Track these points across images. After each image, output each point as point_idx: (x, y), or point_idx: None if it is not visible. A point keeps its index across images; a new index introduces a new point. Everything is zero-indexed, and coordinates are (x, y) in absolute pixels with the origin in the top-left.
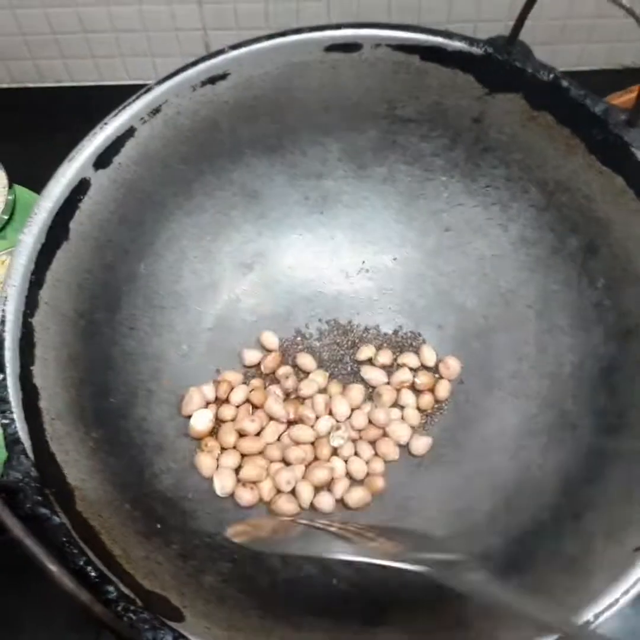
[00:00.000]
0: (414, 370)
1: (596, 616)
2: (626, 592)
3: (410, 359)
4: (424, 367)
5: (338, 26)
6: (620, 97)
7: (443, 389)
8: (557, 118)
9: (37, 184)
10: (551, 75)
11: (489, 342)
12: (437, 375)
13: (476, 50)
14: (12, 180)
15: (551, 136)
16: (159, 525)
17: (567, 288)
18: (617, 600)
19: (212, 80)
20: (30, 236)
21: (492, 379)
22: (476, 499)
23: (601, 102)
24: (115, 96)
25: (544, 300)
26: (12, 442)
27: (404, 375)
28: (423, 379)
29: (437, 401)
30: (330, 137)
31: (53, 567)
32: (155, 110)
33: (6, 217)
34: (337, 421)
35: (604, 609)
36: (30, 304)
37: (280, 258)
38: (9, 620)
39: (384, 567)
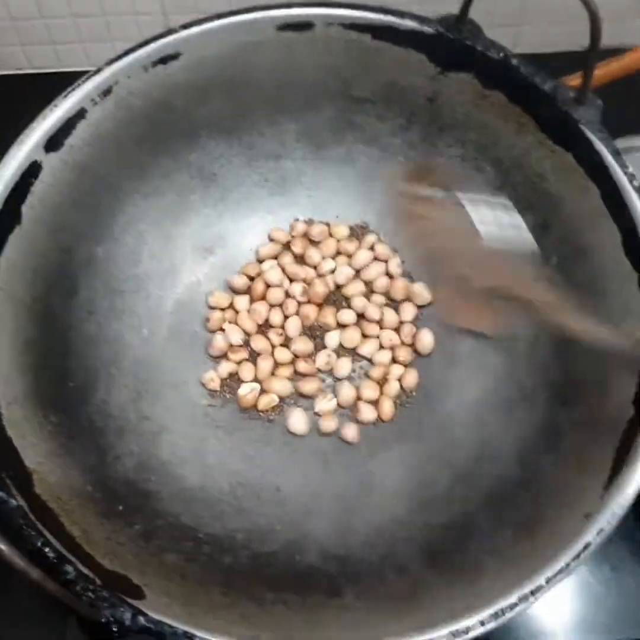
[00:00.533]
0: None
1: (548, 580)
2: (576, 557)
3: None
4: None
5: (289, 5)
6: (579, 79)
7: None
8: (509, 97)
9: None
10: (501, 54)
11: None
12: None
13: (428, 29)
14: None
15: (503, 115)
16: (120, 507)
17: (522, 265)
18: (567, 565)
19: (164, 60)
20: None
21: (453, 355)
22: (437, 472)
23: (550, 80)
24: (76, 82)
25: None
26: None
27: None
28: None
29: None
30: (287, 117)
31: (3, 547)
32: (107, 91)
33: None
34: None
35: (555, 573)
36: None
37: (241, 240)
38: None
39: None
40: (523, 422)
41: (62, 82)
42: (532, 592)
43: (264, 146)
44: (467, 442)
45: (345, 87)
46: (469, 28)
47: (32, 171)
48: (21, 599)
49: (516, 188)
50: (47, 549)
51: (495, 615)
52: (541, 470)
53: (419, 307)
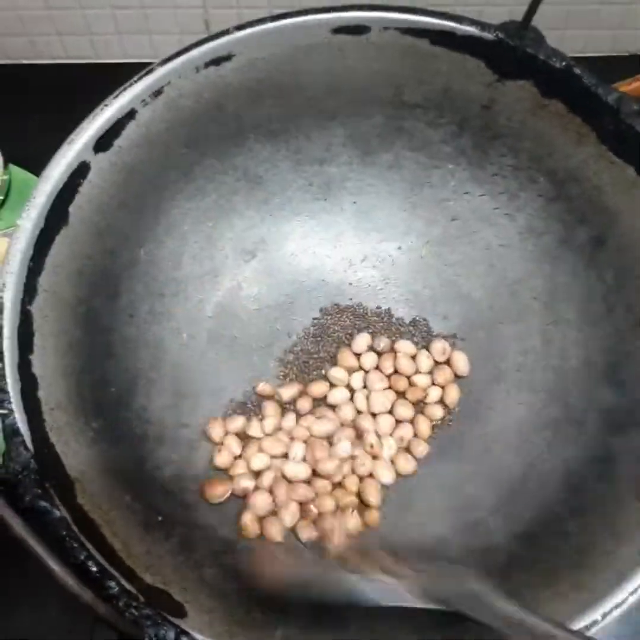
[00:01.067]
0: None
1: (603, 616)
2: (634, 592)
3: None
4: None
5: (345, 8)
6: (630, 85)
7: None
8: (569, 106)
9: (33, 164)
10: (564, 63)
11: (494, 333)
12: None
13: (487, 35)
14: (7, 159)
15: (562, 125)
16: (159, 518)
17: (575, 280)
18: (624, 600)
19: (216, 61)
20: (28, 221)
21: (497, 371)
22: (479, 495)
23: (614, 91)
24: (111, 74)
25: (550, 292)
26: (11, 433)
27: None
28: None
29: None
30: (335, 122)
31: (56, 567)
32: (157, 92)
33: (2, 198)
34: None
35: (611, 608)
36: (29, 291)
37: (283, 245)
38: (2, 604)
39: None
40: (572, 446)
41: (98, 73)
42: (587, 627)
43: (311, 150)
44: (510, 464)
45: (397, 93)
46: (531, 36)
47: (80, 171)
48: (48, 605)
49: (571, 200)
50: (90, 563)
51: None
52: (593, 498)
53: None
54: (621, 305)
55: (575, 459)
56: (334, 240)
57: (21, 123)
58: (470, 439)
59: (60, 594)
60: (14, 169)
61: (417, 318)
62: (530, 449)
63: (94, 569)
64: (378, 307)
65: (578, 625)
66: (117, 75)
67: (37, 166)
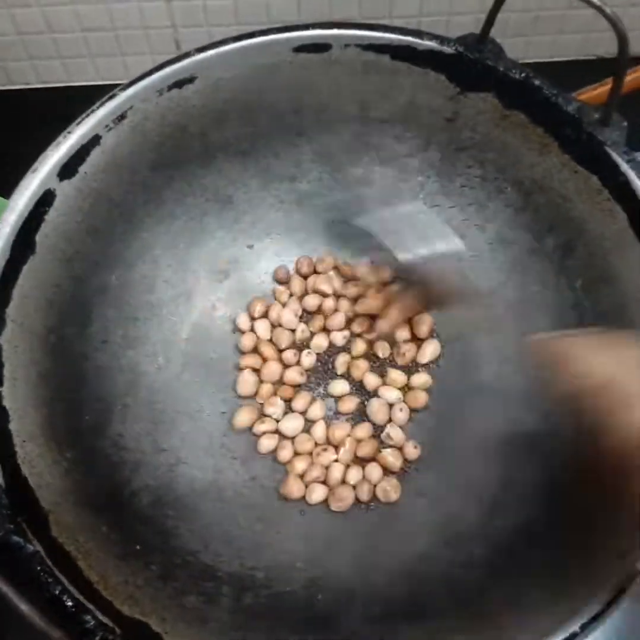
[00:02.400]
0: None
1: (582, 627)
2: (611, 602)
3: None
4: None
5: (306, 26)
6: (596, 90)
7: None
8: (530, 117)
9: (6, 189)
10: (523, 74)
11: (470, 344)
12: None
13: (447, 49)
14: None
15: (525, 135)
16: (138, 547)
17: (546, 289)
18: (603, 611)
19: (179, 84)
20: None
21: (475, 382)
22: (461, 506)
23: (574, 101)
24: (86, 97)
25: (523, 302)
26: None
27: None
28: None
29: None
30: (303, 139)
31: (24, 607)
32: (121, 117)
33: None
34: None
35: (589, 620)
36: None
37: (256, 264)
38: None
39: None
40: (551, 456)
41: (71, 96)
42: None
43: (280, 168)
44: (490, 475)
45: (362, 108)
46: (490, 48)
47: (46, 200)
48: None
49: (538, 209)
50: (65, 597)
51: None
52: (573, 507)
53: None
54: (592, 312)
55: (554, 470)
56: (306, 256)
57: None
58: (452, 451)
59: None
60: None
61: None
62: (510, 459)
63: (70, 603)
64: None
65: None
66: (91, 97)
67: (9, 192)
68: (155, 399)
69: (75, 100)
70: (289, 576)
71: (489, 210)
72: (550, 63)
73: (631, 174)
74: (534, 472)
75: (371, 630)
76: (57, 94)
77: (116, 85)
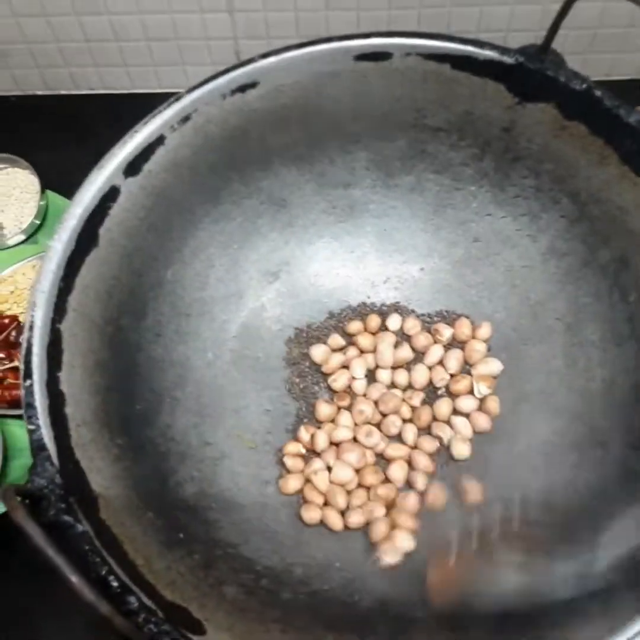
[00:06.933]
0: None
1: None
2: None
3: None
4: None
5: (368, 35)
6: None
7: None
8: (590, 128)
9: (69, 190)
10: (584, 85)
11: (517, 355)
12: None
13: (507, 59)
14: (45, 185)
15: (583, 146)
16: (181, 535)
17: (598, 301)
18: None
19: (242, 88)
20: (59, 242)
21: (521, 392)
22: (503, 515)
23: (635, 112)
24: (147, 104)
25: (574, 313)
26: (38, 448)
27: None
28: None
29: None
30: (359, 146)
31: (74, 578)
32: (185, 118)
33: (38, 222)
34: None
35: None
36: (59, 310)
37: (306, 266)
38: (28, 623)
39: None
40: (597, 468)
41: (133, 103)
42: None
43: (335, 174)
44: (534, 485)
45: (419, 116)
46: (551, 58)
47: (110, 195)
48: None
49: (594, 221)
50: (111, 578)
51: None
52: (620, 520)
53: None
54: None
55: (601, 481)
56: (356, 261)
57: (59, 151)
58: (495, 460)
59: (86, 617)
60: (51, 195)
61: None
62: (554, 470)
63: (115, 584)
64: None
65: None
66: (152, 105)
67: (73, 193)
68: (203, 394)
69: (137, 107)
70: (327, 575)
71: (543, 221)
72: (606, 82)
73: None
74: (580, 482)
75: (407, 632)
76: (120, 100)
77: (176, 94)
